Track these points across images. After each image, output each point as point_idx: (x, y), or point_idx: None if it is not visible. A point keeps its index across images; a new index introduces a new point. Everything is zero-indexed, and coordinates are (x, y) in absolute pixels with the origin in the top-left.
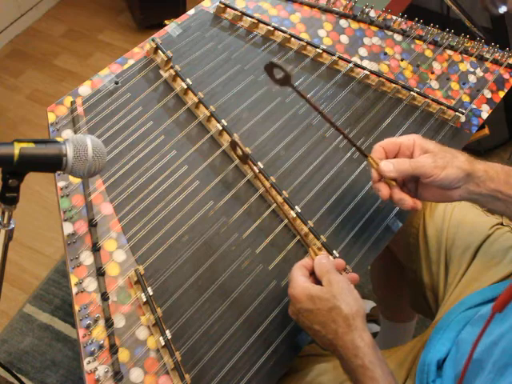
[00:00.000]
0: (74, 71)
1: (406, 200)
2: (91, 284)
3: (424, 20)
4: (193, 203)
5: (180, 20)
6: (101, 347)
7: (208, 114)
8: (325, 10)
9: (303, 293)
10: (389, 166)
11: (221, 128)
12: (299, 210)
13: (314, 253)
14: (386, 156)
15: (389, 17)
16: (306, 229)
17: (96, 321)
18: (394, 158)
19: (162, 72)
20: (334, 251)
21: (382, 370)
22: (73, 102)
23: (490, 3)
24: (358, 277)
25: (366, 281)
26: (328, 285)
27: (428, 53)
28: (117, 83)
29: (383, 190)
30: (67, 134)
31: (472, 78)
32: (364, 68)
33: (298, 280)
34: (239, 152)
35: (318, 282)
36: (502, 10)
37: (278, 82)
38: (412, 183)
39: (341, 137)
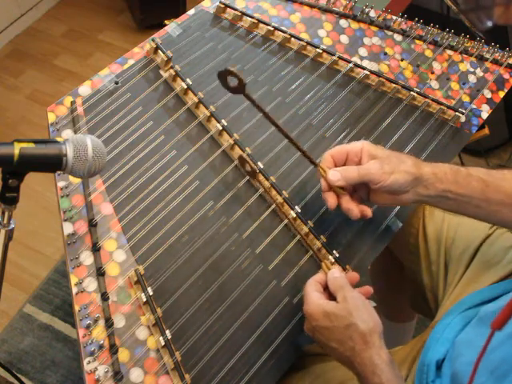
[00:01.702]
0: (74, 71)
1: (354, 210)
2: (91, 284)
3: (424, 20)
4: (193, 203)
5: (180, 20)
6: (101, 347)
7: (208, 114)
8: (325, 10)
9: (318, 310)
10: (336, 175)
11: (221, 128)
12: (299, 210)
13: (327, 267)
14: (335, 164)
15: (389, 17)
16: (305, 229)
17: (96, 321)
18: (344, 165)
19: (162, 72)
20: (334, 251)
21: None
22: (73, 102)
23: (476, 19)
24: (372, 289)
25: (366, 281)
26: (343, 301)
27: (428, 53)
28: (117, 83)
29: (330, 200)
30: (67, 134)
31: (472, 78)
32: (364, 68)
33: (313, 297)
34: (248, 168)
35: (331, 296)
36: (488, 24)
37: (232, 90)
38: (363, 189)
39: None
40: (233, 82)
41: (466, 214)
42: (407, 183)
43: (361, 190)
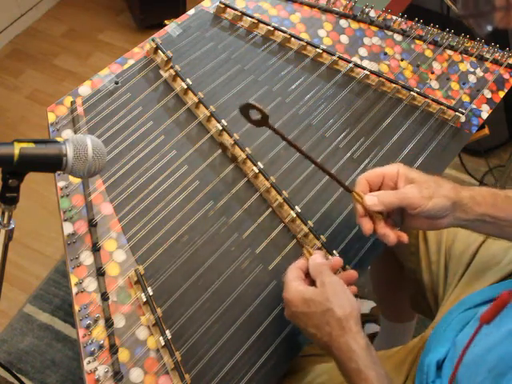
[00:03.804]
0: (74, 71)
1: (390, 236)
2: (91, 284)
3: (424, 20)
4: (193, 203)
5: (180, 20)
6: (101, 347)
7: (208, 114)
8: (325, 10)
9: (297, 296)
10: (373, 200)
11: (221, 128)
12: (299, 210)
13: (309, 253)
14: (371, 188)
15: (389, 17)
16: (305, 229)
17: (96, 321)
18: (379, 189)
19: (162, 72)
20: (334, 251)
21: (377, 373)
22: (73, 102)
23: (476, 24)
24: (356, 274)
25: (366, 281)
26: (321, 286)
27: (428, 53)
28: (117, 83)
29: (366, 225)
30: (67, 134)
31: (472, 78)
32: (364, 68)
33: (293, 283)
34: (229, 154)
35: (313, 282)
36: (488, 29)
37: (255, 123)
38: (397, 214)
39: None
40: (254, 115)
41: (507, 238)
42: (445, 208)
43: (394, 214)
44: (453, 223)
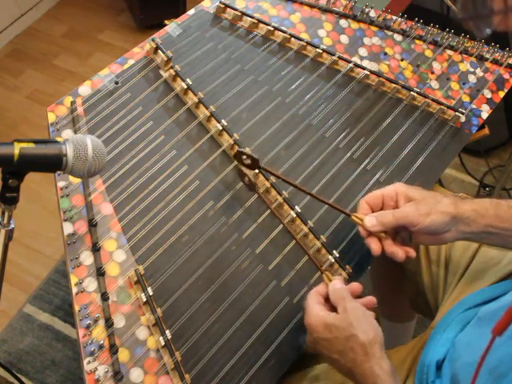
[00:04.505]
0: (73, 71)
1: (398, 253)
2: (91, 284)
3: (424, 20)
4: (193, 203)
5: (180, 20)
6: (101, 347)
7: (208, 114)
8: (325, 10)
9: (319, 322)
10: (372, 221)
11: (221, 128)
12: (299, 210)
13: (328, 278)
14: (372, 210)
15: (389, 17)
16: (305, 229)
17: (96, 321)
18: (381, 210)
19: (162, 72)
20: (334, 251)
21: None
22: (73, 102)
23: (475, 27)
24: (375, 300)
25: (366, 281)
26: (343, 312)
27: (428, 53)
28: (117, 83)
29: (373, 246)
30: (67, 134)
31: (472, 78)
32: (364, 68)
33: (314, 308)
34: (246, 181)
35: (333, 308)
36: (487, 32)
37: (249, 168)
38: (405, 231)
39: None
40: (247, 160)
41: (511, 248)
42: (445, 223)
43: (403, 232)
44: (458, 237)
